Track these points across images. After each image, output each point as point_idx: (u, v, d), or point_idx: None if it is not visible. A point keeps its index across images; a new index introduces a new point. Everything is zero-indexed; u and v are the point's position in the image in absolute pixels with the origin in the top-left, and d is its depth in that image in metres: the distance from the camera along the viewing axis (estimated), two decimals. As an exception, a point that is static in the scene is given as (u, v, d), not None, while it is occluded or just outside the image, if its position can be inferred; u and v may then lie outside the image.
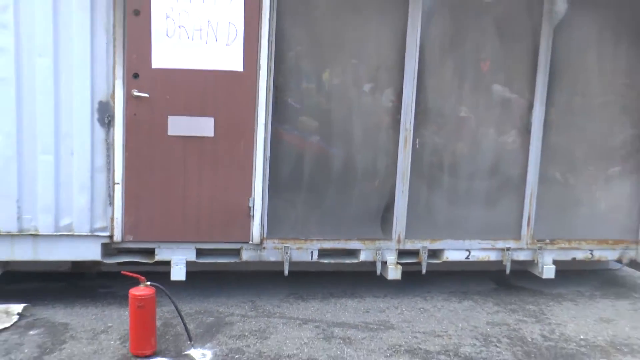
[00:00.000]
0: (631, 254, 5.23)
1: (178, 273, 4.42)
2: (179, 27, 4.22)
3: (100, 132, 4.23)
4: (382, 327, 4.21)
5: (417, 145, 4.77)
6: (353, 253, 4.77)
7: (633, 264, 5.33)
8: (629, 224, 5.24)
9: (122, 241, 4.33)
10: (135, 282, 3.59)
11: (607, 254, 5.21)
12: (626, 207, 5.25)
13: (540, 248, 5.03)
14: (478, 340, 4.08)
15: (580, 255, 5.14)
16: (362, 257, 4.75)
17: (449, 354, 3.84)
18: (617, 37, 5.04)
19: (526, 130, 4.94)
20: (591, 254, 5.16)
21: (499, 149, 4.97)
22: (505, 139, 4.96)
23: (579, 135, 5.10)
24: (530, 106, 4.91)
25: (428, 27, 4.69)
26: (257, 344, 3.83)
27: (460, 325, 4.34)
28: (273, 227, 4.58)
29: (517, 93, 4.94)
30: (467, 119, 4.89)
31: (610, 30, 5.00)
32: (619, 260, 5.31)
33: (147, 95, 4.21)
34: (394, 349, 3.87)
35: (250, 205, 4.46)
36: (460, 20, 4.78)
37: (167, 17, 4.19)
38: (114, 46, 4.16)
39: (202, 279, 4.77)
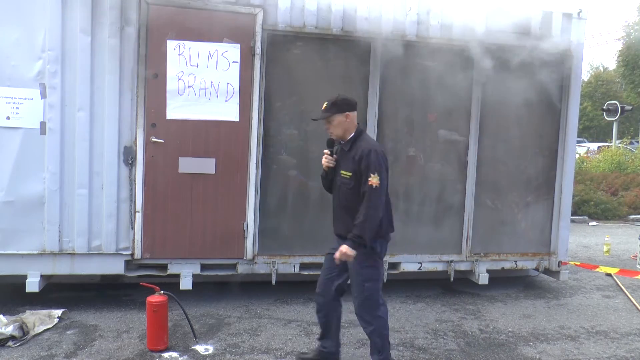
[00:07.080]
0: (545, 263, 5.34)
1: (186, 284, 4.50)
2: (188, 87, 4.38)
3: (124, 170, 4.33)
4: (351, 325, 4.23)
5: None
6: (328, 265, 4.95)
7: (547, 271, 5.45)
8: (543, 239, 5.36)
9: (141, 258, 4.41)
10: (151, 291, 3.71)
11: (527, 264, 5.33)
12: (540, 226, 5.35)
13: (476, 260, 5.16)
14: (429, 334, 4.21)
15: (507, 265, 5.27)
16: (335, 268, 4.96)
17: (407, 346, 3.98)
18: (528, 98, 5.18)
19: (464, 166, 5.11)
20: (515, 264, 5.29)
21: (443, 180, 5.09)
22: (448, 172, 5.12)
23: (503, 169, 5.23)
24: (466, 147, 5.09)
25: (384, 88, 4.84)
26: (251, 340, 3.93)
27: (414, 322, 4.47)
28: (263, 245, 4.66)
29: (456, 136, 5.07)
30: (417, 157, 5.01)
31: (523, 93, 5.11)
32: (537, 269, 5.40)
33: (162, 140, 4.36)
34: (361, 342, 3.97)
35: (245, 228, 4.57)
36: (409, 82, 4.93)
37: (179, 79, 4.35)
38: (137, 102, 4.30)
39: (205, 288, 4.77)
